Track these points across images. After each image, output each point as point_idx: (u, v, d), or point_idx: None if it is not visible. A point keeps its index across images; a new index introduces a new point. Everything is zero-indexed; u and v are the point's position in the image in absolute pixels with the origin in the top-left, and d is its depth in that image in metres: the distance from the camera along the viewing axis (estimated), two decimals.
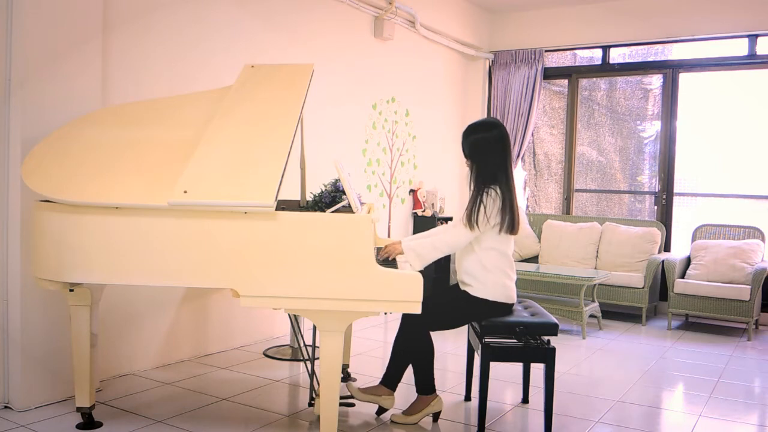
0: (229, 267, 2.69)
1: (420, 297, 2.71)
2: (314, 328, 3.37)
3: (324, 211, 3.42)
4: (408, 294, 2.71)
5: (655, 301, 6.18)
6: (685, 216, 6.62)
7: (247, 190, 2.66)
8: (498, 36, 7.37)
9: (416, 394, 3.28)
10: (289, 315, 4.37)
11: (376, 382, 3.33)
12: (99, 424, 3.07)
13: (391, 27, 5.84)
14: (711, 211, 6.50)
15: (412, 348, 3.21)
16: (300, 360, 4.33)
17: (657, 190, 6.67)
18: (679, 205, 6.62)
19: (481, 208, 3.03)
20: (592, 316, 5.62)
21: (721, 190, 6.49)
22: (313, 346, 3.59)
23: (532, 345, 3.14)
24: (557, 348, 3.21)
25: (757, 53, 6.12)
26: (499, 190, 3.06)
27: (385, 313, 5.61)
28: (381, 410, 3.34)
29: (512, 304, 3.22)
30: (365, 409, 3.39)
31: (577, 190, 7.17)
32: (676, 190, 6.60)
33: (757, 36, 6.09)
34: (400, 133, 6.33)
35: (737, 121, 6.39)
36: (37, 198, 2.89)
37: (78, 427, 3.04)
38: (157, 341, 4.08)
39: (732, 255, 5.69)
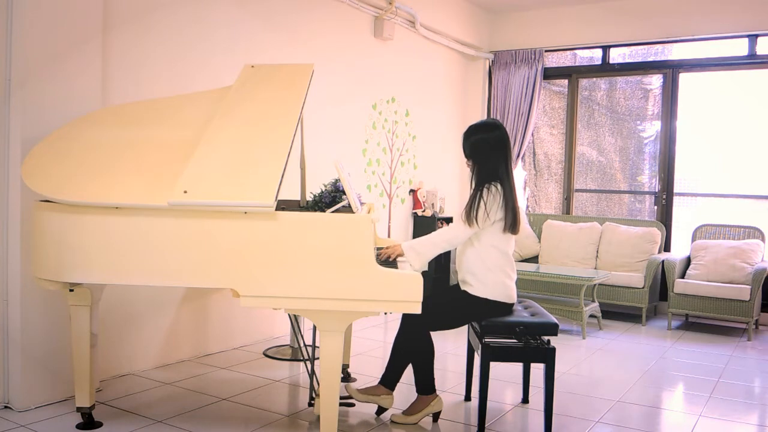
0: (229, 267, 2.69)
1: (420, 297, 2.71)
2: (314, 328, 3.37)
3: (324, 211, 3.42)
4: (408, 294, 2.71)
5: (655, 301, 6.18)
6: (685, 216, 6.62)
7: (247, 190, 2.66)
8: (498, 36, 7.37)
9: (416, 394, 3.28)
10: (289, 315, 4.37)
11: (376, 382, 3.33)
12: (99, 424, 3.07)
13: (391, 27, 5.84)
14: (711, 211, 6.50)
15: (412, 348, 3.21)
16: (300, 360, 4.33)
17: (657, 190, 6.67)
18: (679, 205, 6.62)
19: (481, 203, 3.05)
20: (592, 316, 5.62)
21: (721, 190, 6.49)
22: (313, 346, 3.59)
23: (532, 345, 3.14)
24: (557, 348, 3.21)
25: (757, 53, 6.12)
26: (500, 187, 3.08)
27: (385, 313, 5.61)
28: (381, 410, 3.34)
29: (512, 304, 3.22)
30: (365, 409, 3.39)
31: (577, 190, 7.17)
32: (676, 190, 6.60)
33: (757, 36, 6.09)
34: (400, 133, 6.33)
35: (737, 121, 6.39)
36: (37, 198, 2.89)
37: (78, 427, 3.04)
38: (157, 341, 4.08)
39: (732, 255, 5.69)
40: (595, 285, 5.74)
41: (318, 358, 3.55)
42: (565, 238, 6.46)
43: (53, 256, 2.78)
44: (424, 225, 6.37)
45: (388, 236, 6.20)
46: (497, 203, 3.06)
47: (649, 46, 6.73)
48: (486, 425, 3.19)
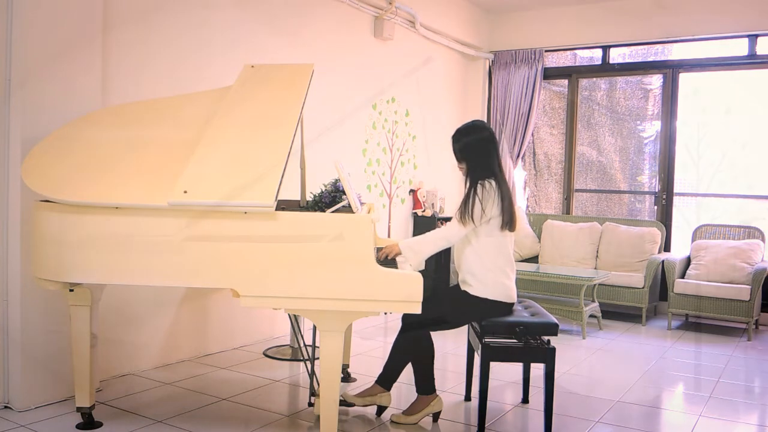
0: (229, 267, 2.69)
1: (420, 297, 2.72)
2: (314, 328, 3.37)
3: (324, 211, 3.42)
4: (408, 294, 2.71)
5: (655, 301, 6.18)
6: (685, 216, 6.62)
7: (247, 190, 2.66)
8: (498, 36, 7.37)
9: (416, 394, 3.28)
10: (289, 315, 4.37)
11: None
12: (99, 424, 3.07)
13: (391, 27, 5.84)
14: (711, 211, 6.50)
15: (412, 348, 3.22)
16: (300, 360, 4.33)
17: (657, 190, 6.67)
18: (679, 205, 6.62)
19: (476, 200, 3.06)
20: (592, 316, 5.62)
21: (721, 190, 6.49)
22: (313, 346, 3.59)
23: (532, 345, 3.14)
24: (557, 348, 3.21)
25: (757, 53, 6.12)
26: (494, 183, 3.10)
27: (385, 313, 5.61)
28: (380, 410, 3.34)
29: (512, 304, 3.22)
30: (365, 409, 3.39)
31: (577, 190, 7.17)
32: (676, 190, 6.60)
33: (757, 36, 6.09)
34: (400, 133, 6.33)
35: (737, 121, 6.39)
36: (37, 198, 2.89)
37: (78, 427, 3.04)
38: (157, 341, 4.07)
39: (732, 255, 5.69)
40: (595, 285, 5.74)
41: (318, 358, 3.54)
42: (565, 238, 6.46)
43: (53, 256, 2.78)
44: (424, 225, 6.36)
45: (388, 236, 6.20)
46: (492, 198, 3.07)
47: (649, 46, 6.73)
48: (486, 425, 3.19)
